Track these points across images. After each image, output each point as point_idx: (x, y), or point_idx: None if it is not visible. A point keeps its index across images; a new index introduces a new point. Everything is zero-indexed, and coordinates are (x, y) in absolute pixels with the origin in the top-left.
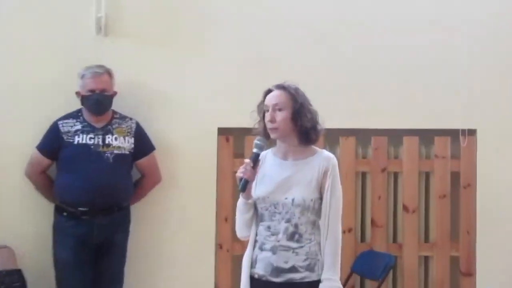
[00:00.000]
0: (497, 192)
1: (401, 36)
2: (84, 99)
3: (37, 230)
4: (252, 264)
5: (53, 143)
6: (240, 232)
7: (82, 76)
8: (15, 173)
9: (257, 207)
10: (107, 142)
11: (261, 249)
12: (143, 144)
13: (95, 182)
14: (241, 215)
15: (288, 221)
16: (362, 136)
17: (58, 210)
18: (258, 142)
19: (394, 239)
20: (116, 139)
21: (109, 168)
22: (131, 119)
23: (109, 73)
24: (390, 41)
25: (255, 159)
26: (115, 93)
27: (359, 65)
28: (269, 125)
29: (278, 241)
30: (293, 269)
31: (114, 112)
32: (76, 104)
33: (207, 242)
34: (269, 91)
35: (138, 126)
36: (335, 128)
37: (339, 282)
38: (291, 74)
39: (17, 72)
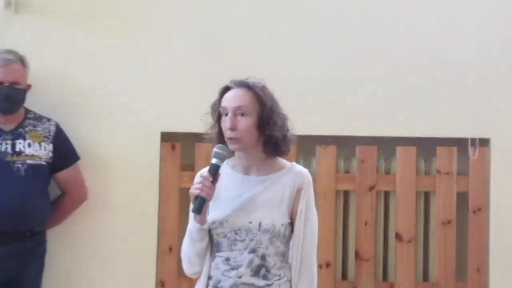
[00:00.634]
0: None
1: (397, 23)
2: None
3: None
4: None
5: None
6: (190, 267)
7: None
8: None
9: (212, 235)
10: (17, 149)
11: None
12: (64, 152)
13: (0, 200)
14: (193, 244)
15: (253, 251)
16: (345, 145)
17: None
18: (219, 150)
19: (384, 277)
20: (29, 145)
21: (20, 182)
22: (49, 120)
23: (21, 61)
24: (383, 28)
25: (215, 172)
26: (29, 87)
27: (342, 57)
28: (228, 134)
29: (240, 277)
30: None
31: (28, 111)
32: None
33: (146, 278)
34: (227, 89)
35: (58, 129)
36: (310, 135)
37: None
38: (254, 67)
39: None
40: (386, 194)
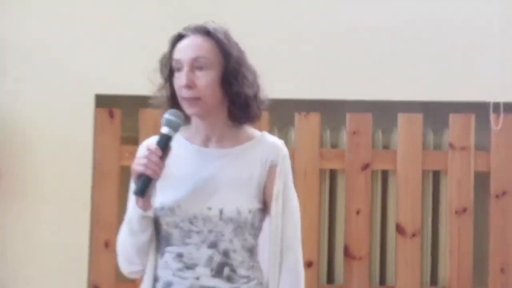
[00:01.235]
0: None
1: None
2: None
3: None
4: None
5: None
6: (127, 265)
7: None
8: None
9: (160, 224)
10: None
11: None
12: None
13: None
14: (133, 236)
15: (213, 245)
16: (332, 112)
17: None
18: (172, 117)
19: (382, 280)
20: None
21: None
22: None
23: None
24: None
25: (165, 145)
26: None
27: (330, 2)
28: (184, 93)
29: (198, 278)
30: None
31: None
32: None
33: (75, 282)
34: (180, 37)
35: None
36: (286, 98)
37: None
38: (218, 12)
39: None
40: (384, 175)
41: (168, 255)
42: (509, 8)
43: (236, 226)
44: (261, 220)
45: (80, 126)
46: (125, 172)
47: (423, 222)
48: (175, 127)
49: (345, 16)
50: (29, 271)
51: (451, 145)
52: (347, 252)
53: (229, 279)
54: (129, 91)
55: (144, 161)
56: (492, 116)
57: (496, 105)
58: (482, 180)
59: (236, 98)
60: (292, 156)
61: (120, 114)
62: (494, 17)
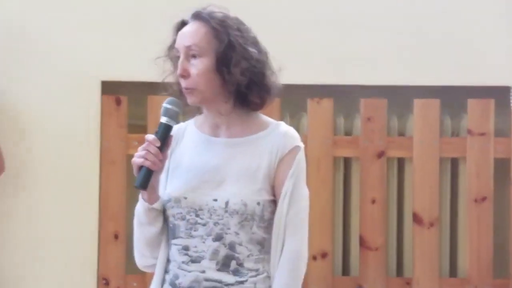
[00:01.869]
0: None
1: None
2: None
3: None
4: None
5: None
6: (141, 258)
7: None
8: None
9: (168, 216)
10: None
11: (173, 285)
12: None
13: None
14: (141, 228)
15: (218, 238)
16: (346, 98)
17: None
18: (170, 106)
19: (399, 271)
20: None
21: None
22: None
23: None
24: None
25: (165, 135)
26: None
27: None
28: (182, 83)
29: (203, 271)
30: None
31: None
32: None
33: (83, 274)
34: (182, 24)
35: None
36: (299, 84)
37: None
38: None
39: None
40: (400, 163)
41: (174, 248)
42: None
43: (242, 218)
44: (272, 212)
45: (86, 113)
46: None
47: (441, 212)
48: (173, 116)
49: (359, 0)
50: (37, 264)
51: (470, 131)
52: (362, 243)
53: (235, 272)
54: (136, 77)
55: (142, 152)
56: None
57: None
58: (502, 167)
59: (230, 85)
60: (304, 144)
61: (127, 101)
62: None
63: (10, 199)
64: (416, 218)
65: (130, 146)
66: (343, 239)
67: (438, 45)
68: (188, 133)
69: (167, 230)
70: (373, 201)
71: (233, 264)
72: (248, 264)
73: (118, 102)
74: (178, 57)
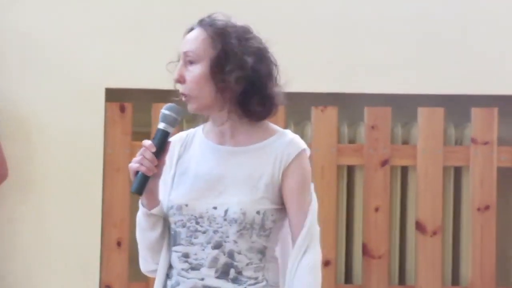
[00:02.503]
0: None
1: None
2: None
3: None
4: None
5: None
6: (144, 263)
7: None
8: None
9: (170, 223)
10: None
11: None
12: None
13: None
14: (142, 234)
15: (217, 246)
16: (350, 106)
17: None
18: (168, 112)
19: (402, 279)
20: None
21: None
22: None
23: None
24: None
25: (161, 141)
26: None
27: None
28: (180, 89)
29: (202, 279)
30: None
31: None
32: None
33: (87, 281)
34: (190, 30)
35: None
36: (303, 92)
37: None
38: (232, 5)
39: None
40: (404, 171)
41: (174, 255)
42: None
43: (241, 227)
44: (276, 221)
45: (91, 121)
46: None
47: (444, 220)
48: (171, 122)
49: (364, 8)
50: (40, 270)
51: (474, 140)
52: (365, 251)
53: (234, 280)
54: (140, 84)
55: (138, 158)
56: None
57: None
58: (505, 176)
59: (225, 93)
60: (310, 153)
61: (131, 108)
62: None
63: (13, 205)
64: (419, 227)
65: (134, 154)
66: (346, 247)
67: (442, 54)
68: (196, 140)
69: (169, 237)
70: (377, 209)
71: (232, 272)
72: (247, 273)
73: (122, 109)
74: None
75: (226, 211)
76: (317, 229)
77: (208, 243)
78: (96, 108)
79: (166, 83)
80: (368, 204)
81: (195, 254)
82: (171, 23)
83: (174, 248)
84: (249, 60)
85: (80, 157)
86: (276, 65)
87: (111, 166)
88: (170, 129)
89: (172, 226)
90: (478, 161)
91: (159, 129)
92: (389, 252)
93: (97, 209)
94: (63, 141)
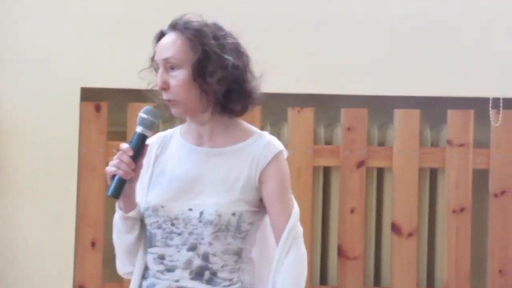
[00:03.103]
0: None
1: None
2: None
3: None
4: None
5: None
6: (121, 266)
7: None
8: None
9: (146, 224)
10: None
11: None
12: None
13: None
14: (119, 236)
15: (192, 248)
16: (326, 107)
17: None
18: (146, 115)
19: (377, 281)
20: None
21: None
22: None
23: None
24: None
25: (139, 145)
26: None
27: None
28: (163, 95)
29: (177, 280)
30: None
31: None
32: None
33: (61, 281)
34: (161, 35)
35: None
36: (280, 93)
37: None
38: (210, 5)
39: None
40: (380, 172)
41: (150, 256)
42: (510, 2)
43: (216, 229)
44: (252, 223)
45: (66, 120)
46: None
47: (420, 221)
48: (149, 126)
49: (341, 10)
50: (14, 270)
51: (449, 142)
52: (340, 252)
53: (209, 281)
54: (116, 84)
55: (116, 161)
56: (491, 112)
57: (496, 101)
58: (481, 178)
59: (208, 94)
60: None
61: (106, 108)
62: (493, 12)
63: None
64: (395, 228)
65: (109, 153)
66: (321, 248)
67: (419, 56)
68: (174, 141)
69: (145, 238)
70: (352, 211)
71: (207, 274)
72: (222, 274)
73: (98, 108)
74: (156, 69)
75: (201, 213)
76: (300, 229)
77: (183, 245)
78: (71, 107)
79: (142, 83)
80: (344, 205)
81: (171, 256)
82: (147, 23)
83: (150, 250)
84: (229, 58)
85: (55, 157)
86: (250, 58)
87: (86, 166)
88: (147, 133)
89: (148, 227)
90: (453, 163)
91: (136, 133)
92: (364, 253)
93: (71, 209)
94: (38, 140)
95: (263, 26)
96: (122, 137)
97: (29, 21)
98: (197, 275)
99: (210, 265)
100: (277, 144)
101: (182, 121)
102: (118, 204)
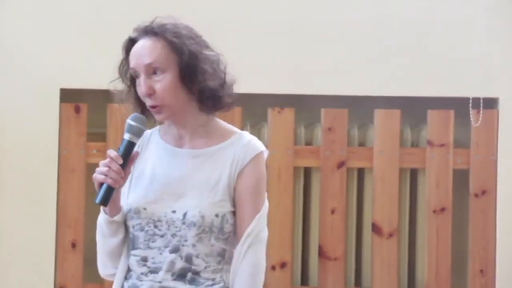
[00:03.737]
0: None
1: None
2: None
3: None
4: None
5: None
6: (103, 268)
7: None
8: None
9: (128, 226)
10: None
11: None
12: None
13: None
14: (103, 240)
15: (175, 250)
16: (307, 108)
17: None
18: (134, 123)
19: (357, 281)
20: None
21: None
22: None
23: None
24: None
25: (128, 152)
26: None
27: None
28: (147, 102)
29: (160, 281)
30: None
31: None
32: None
33: (42, 281)
34: (132, 42)
35: None
36: (260, 93)
37: None
38: (190, 6)
39: None
40: (360, 173)
41: (133, 258)
42: (489, 3)
43: (200, 231)
44: (233, 224)
45: (45, 121)
46: (92, 169)
47: (400, 222)
48: (137, 133)
49: (321, 10)
50: None
51: (430, 142)
52: (321, 253)
53: (192, 282)
54: (96, 85)
55: (104, 169)
56: (472, 112)
57: (476, 101)
58: (461, 178)
59: (200, 93)
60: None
61: (86, 109)
62: (473, 13)
63: None
64: (376, 228)
65: (89, 155)
66: (302, 249)
67: (399, 56)
68: (152, 142)
69: (128, 241)
70: (333, 211)
71: (189, 275)
72: (204, 274)
73: (77, 110)
74: (135, 76)
75: (184, 215)
76: (263, 235)
77: (166, 247)
78: (50, 109)
79: (121, 84)
80: (324, 206)
81: (153, 258)
82: (127, 24)
83: (132, 252)
84: (211, 54)
85: (34, 158)
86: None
87: (65, 167)
88: (136, 140)
89: (131, 229)
90: (434, 163)
91: (125, 140)
92: (345, 254)
93: (52, 210)
94: (18, 141)
95: (243, 27)
96: (102, 138)
97: (7, 22)
98: (180, 276)
99: (193, 267)
100: (257, 145)
101: (161, 122)
102: (103, 209)
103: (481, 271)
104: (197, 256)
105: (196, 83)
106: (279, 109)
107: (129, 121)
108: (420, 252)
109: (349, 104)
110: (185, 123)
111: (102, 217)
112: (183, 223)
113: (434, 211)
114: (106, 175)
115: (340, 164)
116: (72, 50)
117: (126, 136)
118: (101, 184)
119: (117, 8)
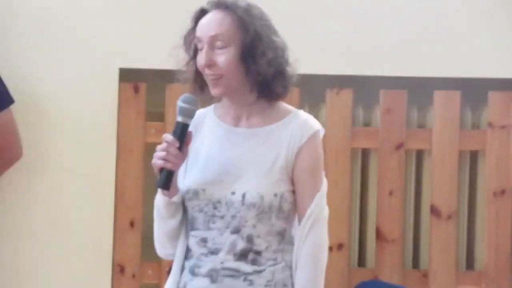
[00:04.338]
0: None
1: None
2: None
3: None
4: None
5: None
6: (162, 249)
7: None
8: None
9: (186, 207)
10: None
11: (193, 273)
12: None
13: None
14: (162, 221)
15: (236, 230)
16: (365, 89)
17: None
18: (185, 104)
19: (415, 264)
20: None
21: None
22: None
23: None
24: None
25: (183, 134)
26: None
27: None
28: (206, 71)
29: (222, 262)
30: None
31: None
32: None
33: (99, 262)
34: (202, 13)
35: None
36: (318, 74)
37: None
38: None
39: None
40: (419, 155)
41: (193, 240)
42: None
43: (259, 211)
44: (292, 203)
45: (104, 101)
46: (150, 149)
47: (459, 204)
48: (189, 114)
49: None
50: (52, 250)
51: (490, 124)
52: (379, 235)
53: (253, 261)
54: (154, 65)
55: (163, 154)
56: None
57: None
58: None
59: (256, 75)
60: (324, 135)
61: (145, 89)
62: None
63: (27, 185)
64: (434, 211)
65: (148, 134)
66: (359, 231)
67: (459, 36)
68: (208, 121)
69: (186, 221)
70: (391, 193)
71: (251, 255)
72: (266, 254)
73: (136, 89)
74: (200, 49)
75: (243, 196)
76: (324, 213)
77: (227, 228)
78: (109, 89)
79: (177, 66)
80: (382, 187)
81: (213, 239)
82: (185, 3)
83: (192, 233)
84: (277, 39)
85: (93, 138)
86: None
87: (124, 146)
88: (188, 121)
89: (189, 210)
90: (494, 145)
91: (178, 123)
92: (402, 236)
93: (110, 190)
94: (77, 121)
95: (300, 9)
96: (161, 118)
97: (68, 2)
98: (242, 256)
99: (254, 247)
100: (313, 124)
101: (217, 101)
102: (161, 191)
103: None
104: (258, 236)
105: (253, 64)
106: (337, 90)
107: (180, 103)
108: (479, 235)
109: (408, 85)
110: (242, 102)
111: (160, 199)
112: (243, 204)
113: (494, 194)
114: (165, 160)
115: (399, 146)
116: (131, 30)
117: (179, 118)
118: (161, 169)
119: None
